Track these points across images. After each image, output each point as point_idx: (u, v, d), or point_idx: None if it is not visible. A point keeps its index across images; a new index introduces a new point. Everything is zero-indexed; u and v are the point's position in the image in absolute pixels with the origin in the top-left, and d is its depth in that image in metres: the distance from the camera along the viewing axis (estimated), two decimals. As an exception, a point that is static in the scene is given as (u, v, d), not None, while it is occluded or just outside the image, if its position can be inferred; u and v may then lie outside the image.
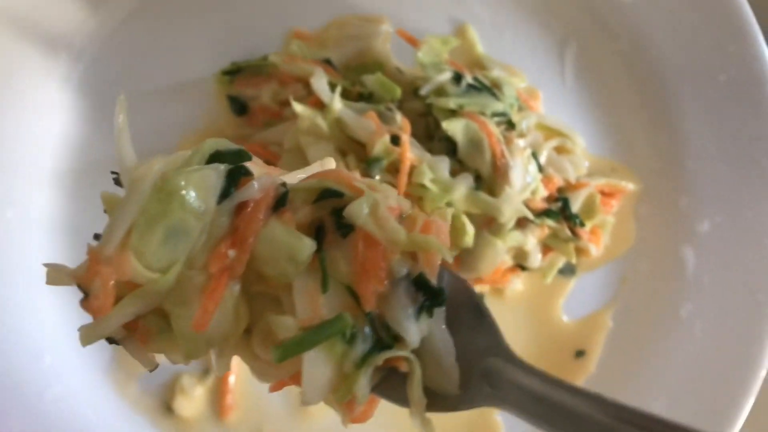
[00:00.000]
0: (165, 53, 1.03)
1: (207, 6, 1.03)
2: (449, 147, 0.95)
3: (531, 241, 0.99)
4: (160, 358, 1.00)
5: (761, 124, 1.00)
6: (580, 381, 1.05)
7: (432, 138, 0.97)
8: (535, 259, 1.00)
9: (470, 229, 0.94)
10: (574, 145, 1.04)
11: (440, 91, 0.94)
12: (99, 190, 0.99)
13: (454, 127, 0.92)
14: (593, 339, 1.06)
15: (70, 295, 0.99)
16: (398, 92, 0.94)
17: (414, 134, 0.94)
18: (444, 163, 0.92)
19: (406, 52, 1.02)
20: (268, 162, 0.95)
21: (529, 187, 0.95)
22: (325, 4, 1.04)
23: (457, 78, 0.95)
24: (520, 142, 0.97)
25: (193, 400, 1.02)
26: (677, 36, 1.02)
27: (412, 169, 0.91)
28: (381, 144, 0.89)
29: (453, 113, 0.93)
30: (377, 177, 0.90)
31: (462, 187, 0.92)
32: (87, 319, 0.99)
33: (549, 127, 1.02)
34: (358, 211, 0.60)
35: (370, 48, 1.02)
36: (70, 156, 1.02)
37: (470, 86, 0.96)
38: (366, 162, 0.90)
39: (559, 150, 1.03)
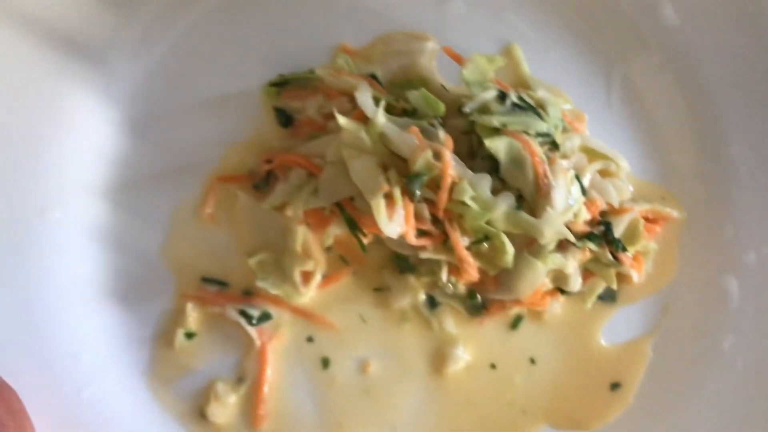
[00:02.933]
0: (215, 66, 1.05)
1: (256, 20, 1.05)
2: (492, 166, 0.94)
3: (571, 264, 0.98)
4: (199, 363, 1.02)
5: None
6: (618, 413, 1.03)
7: (475, 156, 0.96)
8: (576, 282, 0.99)
9: (510, 248, 0.93)
10: (618, 168, 1.03)
11: (484, 109, 0.94)
12: (142, 204, 1.03)
13: (497, 145, 0.92)
14: (632, 368, 1.04)
15: (108, 298, 1.02)
16: (442, 108, 0.94)
17: (457, 152, 0.94)
18: (485, 181, 0.92)
19: (452, 71, 1.02)
20: (310, 174, 0.97)
21: (571, 209, 0.94)
22: (372, 21, 1.05)
23: (502, 96, 0.95)
24: (564, 163, 0.96)
25: (226, 408, 1.02)
26: (728, 61, 1.01)
27: (453, 185, 0.91)
28: (423, 159, 0.89)
29: (496, 131, 0.93)
30: (417, 192, 0.90)
31: (503, 205, 0.91)
32: (125, 326, 1.01)
33: (593, 149, 1.01)
34: None
35: (415, 64, 1.03)
36: (117, 168, 1.04)
37: (515, 105, 0.95)
38: (407, 177, 0.90)
39: (603, 173, 1.01)
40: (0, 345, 0.97)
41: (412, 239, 0.92)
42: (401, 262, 1.02)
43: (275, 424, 1.03)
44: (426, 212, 0.92)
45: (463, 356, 1.03)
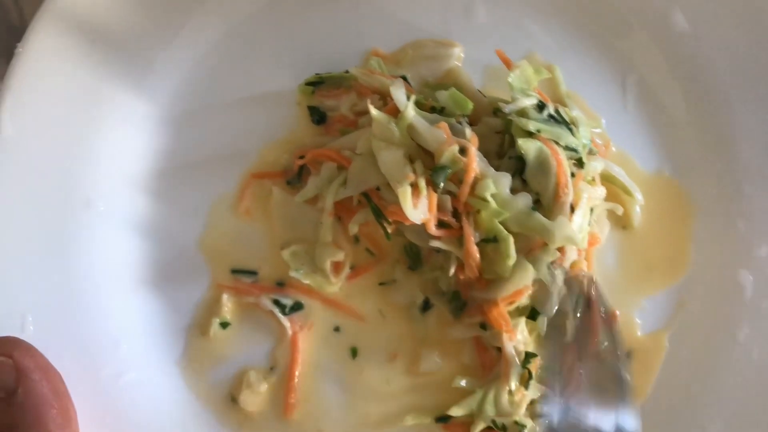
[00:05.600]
0: (252, 69, 1.11)
1: (291, 25, 1.12)
2: (517, 167, 1.00)
3: (558, 283, 1.00)
4: (232, 351, 1.05)
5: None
6: (635, 405, 1.06)
7: (502, 156, 1.02)
8: (551, 307, 1.00)
9: (512, 255, 0.96)
10: (632, 199, 1.08)
11: (522, 113, 0.99)
12: (181, 198, 1.08)
13: (529, 147, 0.97)
14: (649, 361, 1.07)
15: (147, 287, 1.07)
16: (470, 107, 0.99)
17: (487, 150, 0.99)
18: (506, 180, 0.96)
19: (476, 78, 1.11)
20: (340, 166, 1.02)
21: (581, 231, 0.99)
22: (400, 29, 1.12)
23: (541, 106, 1.01)
24: (589, 188, 1.01)
25: (258, 396, 1.06)
26: (737, 64, 1.07)
27: (477, 181, 0.96)
28: (449, 153, 0.94)
29: (530, 135, 0.98)
30: (441, 184, 0.95)
31: (520, 204, 0.96)
32: (162, 315, 1.07)
33: (612, 176, 1.07)
34: None
35: (444, 69, 1.10)
36: (158, 163, 1.09)
37: (550, 116, 1.01)
38: (432, 169, 0.95)
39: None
40: (45, 330, 1.01)
41: (433, 229, 0.96)
42: (413, 255, 1.07)
43: (305, 412, 1.06)
44: (449, 204, 0.97)
45: (437, 362, 1.07)
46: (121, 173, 1.08)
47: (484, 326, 1.02)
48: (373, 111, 0.95)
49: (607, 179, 1.07)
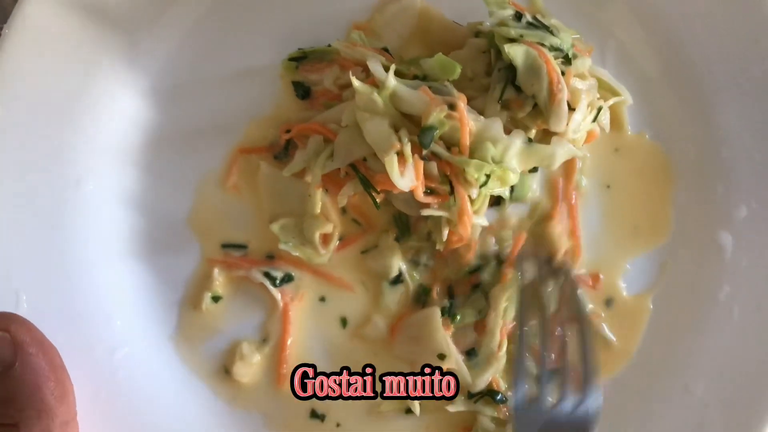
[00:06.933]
0: (236, 45, 1.12)
1: (274, 2, 1.12)
2: (508, 76, 1.01)
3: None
4: (224, 324, 1.07)
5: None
6: (621, 366, 1.09)
7: (491, 74, 1.03)
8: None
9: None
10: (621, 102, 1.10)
11: (502, 24, 1.01)
12: (169, 174, 1.10)
13: (515, 52, 0.98)
14: (633, 323, 1.10)
15: (139, 263, 1.08)
16: (458, 71, 1.00)
17: (475, 71, 1.03)
18: (498, 125, 0.98)
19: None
20: (326, 139, 1.03)
21: (581, 129, 1.02)
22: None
23: (518, 16, 1.02)
24: (581, 85, 1.02)
25: (251, 367, 1.08)
26: (712, 32, 1.08)
27: (476, 144, 0.97)
28: (437, 113, 0.95)
29: (513, 41, 1.00)
30: (430, 146, 0.96)
31: (517, 142, 0.98)
32: (154, 291, 1.09)
33: (599, 77, 1.08)
34: None
35: (414, 16, 1.11)
36: (146, 140, 1.11)
37: (530, 24, 1.02)
38: (420, 130, 0.96)
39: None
40: (39, 307, 1.02)
41: (421, 195, 0.98)
42: (402, 225, 1.09)
43: (297, 383, 1.09)
44: (435, 170, 0.98)
45: (382, 328, 1.10)
46: (110, 151, 1.09)
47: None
48: (356, 82, 0.97)
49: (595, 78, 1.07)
